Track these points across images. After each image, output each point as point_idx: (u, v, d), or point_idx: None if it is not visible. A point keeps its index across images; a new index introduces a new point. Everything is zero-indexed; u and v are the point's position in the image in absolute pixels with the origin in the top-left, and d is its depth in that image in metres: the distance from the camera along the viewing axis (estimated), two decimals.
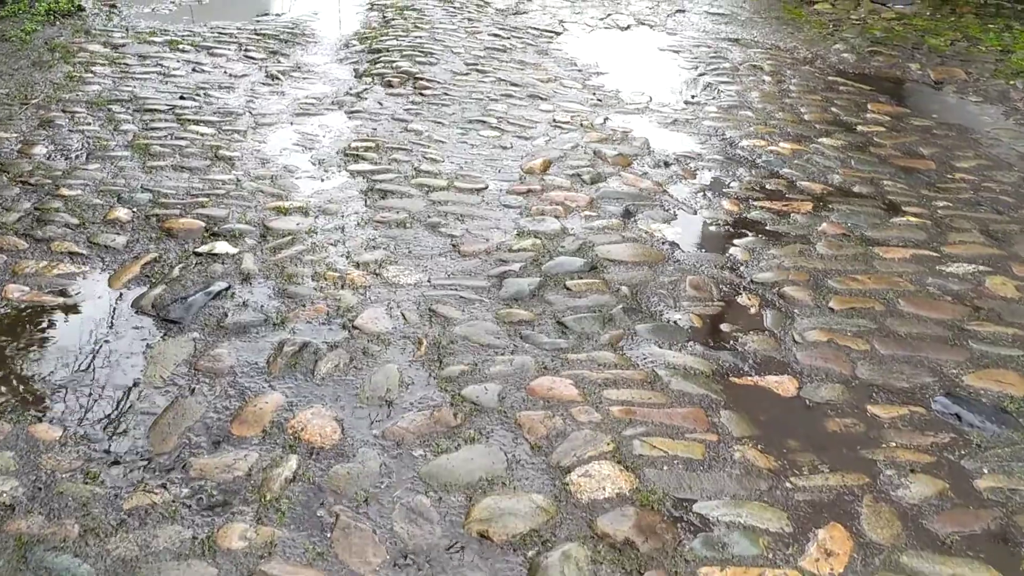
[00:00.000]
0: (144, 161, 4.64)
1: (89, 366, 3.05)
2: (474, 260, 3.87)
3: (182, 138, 4.96)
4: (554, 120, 5.64)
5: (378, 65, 6.53)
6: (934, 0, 9.54)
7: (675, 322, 3.48)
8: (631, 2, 9.33)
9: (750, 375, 3.19)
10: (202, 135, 5.01)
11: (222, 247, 3.82)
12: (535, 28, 8.04)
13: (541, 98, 6.06)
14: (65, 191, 4.26)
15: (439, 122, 5.46)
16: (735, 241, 4.19)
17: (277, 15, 8.04)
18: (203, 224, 4.01)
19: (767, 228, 4.34)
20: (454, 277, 3.73)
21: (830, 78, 6.92)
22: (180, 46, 6.68)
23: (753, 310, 3.61)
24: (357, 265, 3.76)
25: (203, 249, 3.81)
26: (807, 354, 3.32)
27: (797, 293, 3.72)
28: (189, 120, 5.21)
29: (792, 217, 4.45)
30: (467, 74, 6.46)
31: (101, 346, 3.16)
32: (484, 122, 5.50)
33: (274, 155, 4.83)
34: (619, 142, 5.34)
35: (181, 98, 5.57)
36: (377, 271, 3.73)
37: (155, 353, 3.13)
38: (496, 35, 7.60)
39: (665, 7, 9.19)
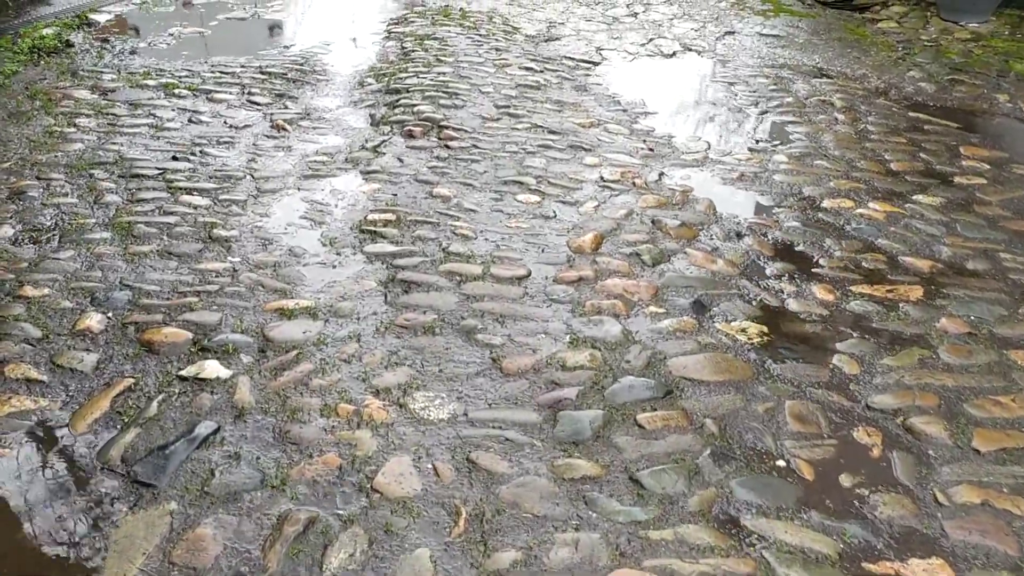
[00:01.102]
0: (126, 246, 4.02)
1: (38, 560, 2.42)
2: (519, 381, 3.21)
3: (172, 213, 4.35)
4: (602, 178, 4.98)
5: (397, 110, 5.91)
6: (1011, 17, 8.80)
7: (780, 472, 2.81)
8: (674, 24, 8.67)
9: (888, 558, 2.51)
10: (195, 208, 4.40)
11: (212, 368, 3.19)
12: (570, 58, 7.39)
13: (584, 148, 5.40)
14: (30, 289, 3.65)
15: (469, 184, 4.82)
16: (838, 345, 3.51)
17: (285, 47, 7.45)
18: (190, 335, 3.39)
19: (873, 326, 3.65)
20: (496, 407, 3.07)
21: (911, 114, 6.22)
22: (176, 90, 6.09)
23: (876, 451, 2.93)
24: (376, 392, 3.12)
25: (189, 371, 3.18)
26: (957, 523, 2.63)
27: (928, 426, 3.03)
28: (181, 188, 4.60)
29: (901, 308, 3.76)
30: (498, 119, 5.81)
31: (55, 526, 2.53)
32: (521, 183, 4.85)
33: (278, 233, 4.21)
34: (680, 206, 4.68)
35: (174, 158, 4.97)
36: (401, 400, 3.08)
37: (121, 536, 2.50)
38: (528, 68, 6.95)
39: (712, 29, 8.52)
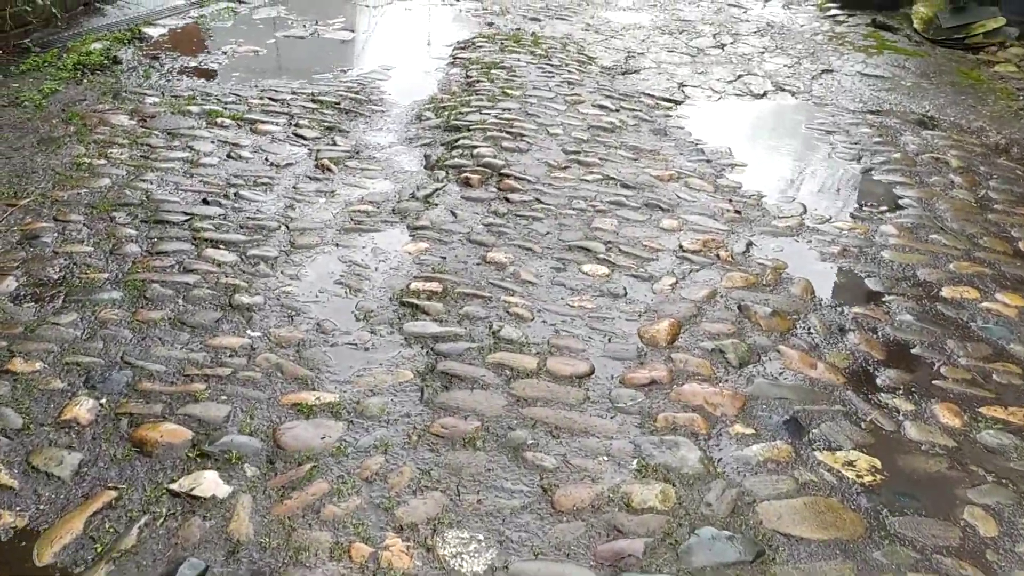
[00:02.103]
0: (135, 310, 3.61)
1: None
2: (574, 523, 2.68)
3: (192, 270, 3.93)
4: (681, 247, 4.43)
5: (455, 151, 5.44)
6: None
7: None
8: (765, 59, 8.06)
9: None
10: (219, 266, 3.98)
11: (209, 483, 2.74)
12: (649, 95, 6.85)
13: (662, 208, 4.86)
14: (19, 363, 3.26)
15: (528, 248, 4.31)
16: (969, 493, 2.90)
17: (342, 71, 7.07)
18: (190, 434, 2.94)
19: (1012, 466, 3.02)
20: (544, 557, 2.55)
21: None
22: (219, 119, 5.72)
23: None
24: (400, 528, 2.62)
25: (183, 485, 2.73)
26: None
27: None
28: (207, 239, 4.19)
29: None
30: (566, 167, 5.30)
31: None
32: (588, 249, 4.32)
33: (307, 301, 3.76)
34: (772, 288, 4.09)
35: (204, 202, 4.58)
36: (429, 541, 2.58)
37: None
38: (602, 106, 6.43)
39: (808, 66, 7.88)
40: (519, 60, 7.44)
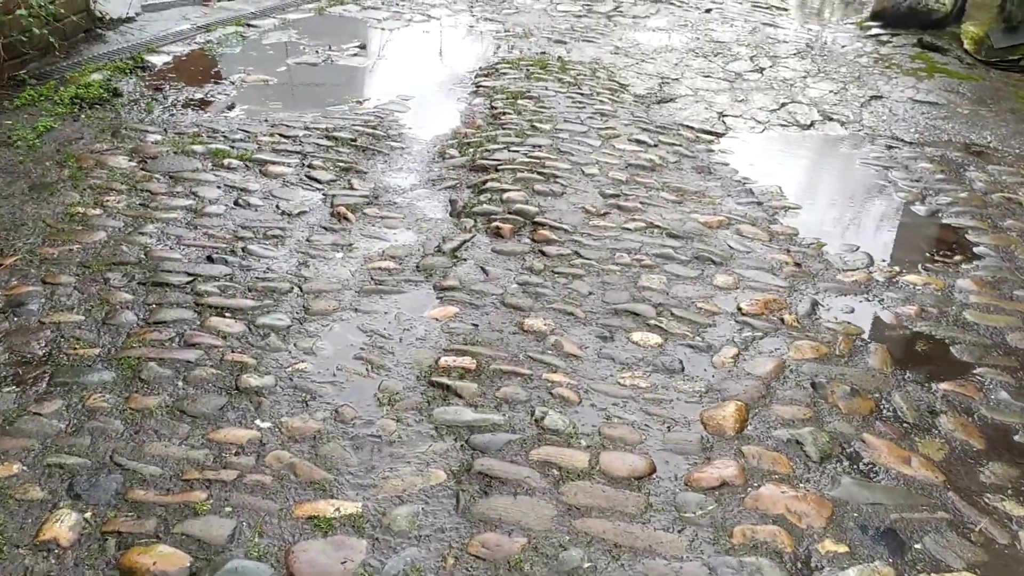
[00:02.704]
0: (128, 395, 3.23)
1: None
2: None
3: (194, 344, 3.55)
4: (739, 309, 4.02)
5: (483, 196, 5.06)
6: None
7: None
8: (808, 84, 7.66)
9: None
10: (224, 338, 3.60)
11: None
12: (688, 126, 6.46)
13: (714, 261, 4.45)
14: None
15: (569, 312, 3.91)
16: None
17: (357, 102, 6.71)
18: (188, 560, 2.55)
19: None
20: None
21: None
22: (226, 159, 5.36)
23: None
24: None
25: None
26: None
27: None
28: (211, 306, 3.82)
29: None
30: (605, 214, 4.91)
31: None
32: (636, 314, 3.92)
33: (323, 382, 3.37)
34: (846, 359, 3.68)
35: (209, 259, 4.21)
36: None
37: None
38: (639, 141, 6.04)
39: (855, 92, 7.48)
40: (547, 89, 7.06)
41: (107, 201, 4.77)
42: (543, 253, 4.45)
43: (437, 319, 3.84)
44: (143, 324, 3.69)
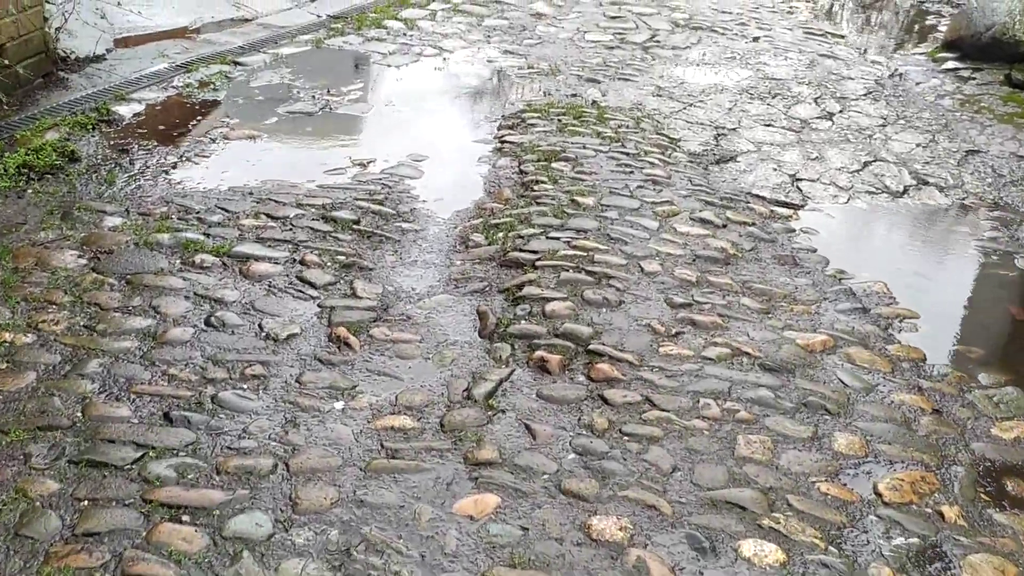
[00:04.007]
0: None
1: None
2: None
3: None
4: (878, 493, 3.08)
5: (520, 307, 4.13)
6: None
7: None
8: (889, 135, 6.74)
9: None
10: (179, 564, 2.65)
11: None
12: (758, 196, 5.55)
13: (827, 410, 3.52)
14: None
15: (650, 505, 2.98)
16: None
17: (362, 165, 5.80)
18: None
19: None
20: None
21: None
22: (199, 254, 4.45)
23: None
24: None
25: None
26: None
27: None
28: (165, 504, 2.89)
29: None
30: (677, 334, 3.99)
31: None
32: (740, 507, 2.98)
33: None
34: None
35: (167, 417, 3.29)
36: None
37: None
38: (704, 220, 5.12)
39: (946, 144, 6.56)
40: (584, 146, 6.13)
41: (43, 322, 3.84)
42: (604, 400, 3.51)
43: (472, 517, 2.90)
44: (68, 537, 2.74)
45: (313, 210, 5.06)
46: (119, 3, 8.34)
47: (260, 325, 3.93)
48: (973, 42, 8.57)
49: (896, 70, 8.55)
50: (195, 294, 4.14)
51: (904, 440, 3.39)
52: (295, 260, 4.50)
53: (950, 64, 8.57)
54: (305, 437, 3.24)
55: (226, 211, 4.99)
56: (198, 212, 4.95)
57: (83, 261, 4.37)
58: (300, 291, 4.24)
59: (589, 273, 4.42)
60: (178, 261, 4.41)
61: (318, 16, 9.25)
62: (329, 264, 4.50)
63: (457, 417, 3.39)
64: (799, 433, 3.39)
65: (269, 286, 4.26)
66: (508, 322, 4.03)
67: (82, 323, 3.86)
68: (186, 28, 8.59)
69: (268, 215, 4.97)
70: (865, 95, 7.71)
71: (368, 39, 8.61)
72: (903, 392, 3.69)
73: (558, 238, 4.78)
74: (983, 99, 7.65)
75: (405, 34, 8.84)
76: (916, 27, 10.68)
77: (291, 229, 4.82)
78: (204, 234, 4.69)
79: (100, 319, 3.89)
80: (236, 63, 7.68)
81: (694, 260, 4.66)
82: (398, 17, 9.32)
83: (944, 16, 10.83)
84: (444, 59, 8.21)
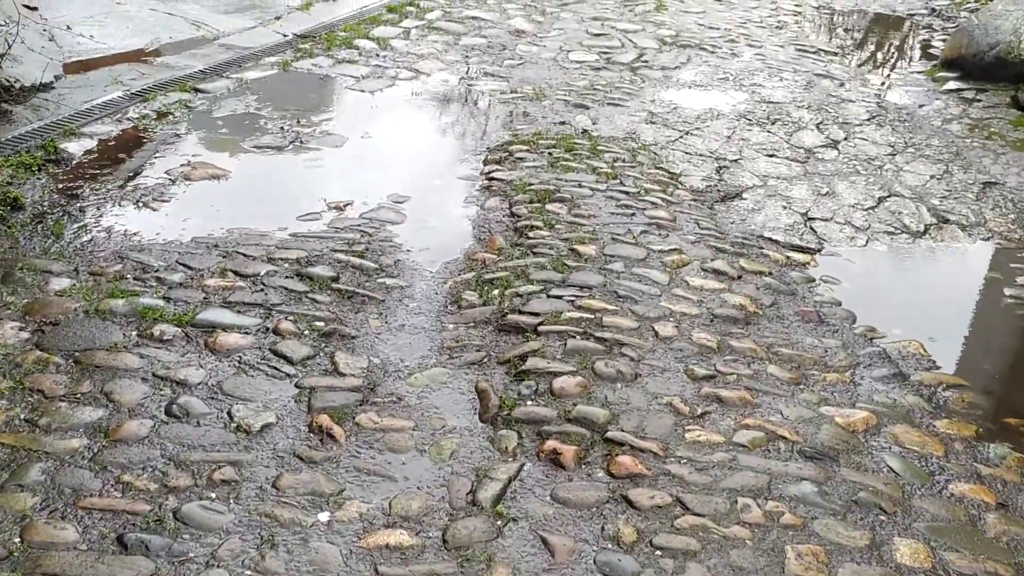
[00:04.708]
0: None
1: None
2: None
3: None
4: None
5: (524, 384, 3.73)
6: None
7: None
8: (900, 165, 6.42)
9: None
10: None
11: None
12: (771, 239, 5.20)
13: (882, 509, 3.15)
14: None
15: None
16: None
17: (338, 208, 5.36)
18: None
19: None
20: None
21: None
22: (158, 324, 3.99)
23: None
24: None
25: None
26: None
27: None
28: None
29: None
30: (703, 414, 3.60)
31: None
32: None
33: None
34: None
35: (120, 542, 2.85)
36: None
37: None
38: (717, 271, 4.75)
39: (961, 176, 6.28)
40: (579, 183, 5.73)
41: None
42: (629, 503, 3.11)
43: None
44: None
45: (287, 265, 4.61)
46: (68, 27, 7.82)
47: (230, 413, 3.48)
48: (976, 61, 8.30)
49: (895, 91, 8.24)
50: (154, 375, 3.68)
51: (972, 545, 3.03)
52: (268, 329, 4.05)
53: (952, 84, 8.29)
54: (285, 562, 2.80)
55: (188, 268, 4.53)
56: (157, 270, 4.49)
57: (25, 335, 3.90)
58: (275, 368, 3.79)
59: (598, 340, 4.02)
60: (134, 333, 3.95)
61: (284, 35, 8.78)
62: (306, 332, 4.05)
63: (462, 530, 2.96)
64: (854, 541, 3.00)
65: (239, 362, 3.81)
66: (512, 403, 3.61)
67: (23, 416, 3.39)
68: (142, 50, 8.09)
69: (236, 272, 4.51)
70: (869, 120, 7.39)
71: (339, 61, 8.15)
72: (962, 481, 3.33)
73: (560, 296, 4.37)
74: (992, 123, 7.36)
75: (378, 55, 8.40)
76: (909, 42, 10.42)
77: (262, 290, 4.36)
78: (164, 298, 4.23)
79: (44, 411, 3.42)
80: (197, 90, 7.20)
81: (712, 320, 4.28)
82: (370, 36, 8.87)
83: (936, 30, 10.59)
84: (421, 82, 7.78)
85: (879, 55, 9.91)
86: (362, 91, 7.51)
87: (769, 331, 4.26)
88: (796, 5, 11.69)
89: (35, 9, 8.33)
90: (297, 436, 3.39)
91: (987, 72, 8.18)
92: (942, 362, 4.13)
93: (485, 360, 3.94)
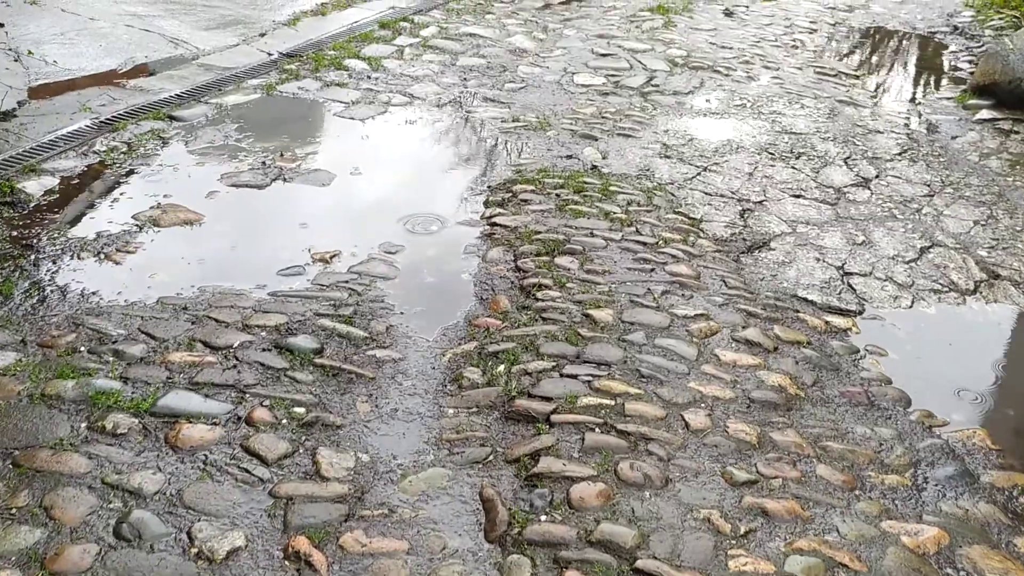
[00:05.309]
0: None
1: None
2: None
3: None
4: None
5: (536, 493, 3.24)
6: None
7: None
8: (939, 209, 5.96)
9: None
10: None
11: None
12: (806, 300, 4.73)
13: None
14: None
15: None
16: None
17: (324, 260, 4.86)
18: None
19: None
20: None
21: None
22: (111, 414, 3.50)
23: None
24: None
25: None
26: None
27: None
28: None
29: None
30: (746, 533, 3.14)
31: None
32: None
33: None
34: None
35: None
36: None
37: None
38: (749, 342, 4.26)
39: (1007, 221, 5.87)
40: (591, 232, 5.26)
41: None
42: None
43: None
44: None
45: (264, 334, 4.12)
46: (29, 52, 7.33)
47: (190, 534, 2.99)
48: (1011, 89, 7.85)
49: (925, 120, 7.79)
50: (103, 482, 3.18)
51: None
52: (239, 418, 3.56)
53: (985, 114, 7.84)
54: None
55: (152, 338, 4.04)
56: (115, 340, 3.99)
57: None
58: (246, 470, 3.30)
59: (620, 433, 3.53)
60: (83, 425, 3.45)
61: (268, 54, 8.30)
62: (284, 422, 3.56)
63: None
64: None
65: (204, 463, 3.32)
66: (524, 519, 3.12)
67: None
68: (115, 71, 7.60)
69: (205, 343, 4.02)
70: (900, 154, 6.93)
71: (327, 84, 7.67)
72: None
73: (575, 376, 3.89)
74: None
75: (369, 76, 7.91)
76: (933, 63, 9.97)
77: (235, 366, 3.87)
78: (121, 378, 3.73)
79: None
80: (172, 117, 6.71)
81: (748, 406, 3.80)
82: (361, 55, 8.39)
83: (959, 51, 10.15)
84: (416, 109, 7.29)
85: (903, 79, 9.45)
86: (352, 119, 7.02)
87: (814, 419, 3.78)
88: (811, 22, 11.26)
89: (0, 26, 7.86)
90: (270, 565, 2.90)
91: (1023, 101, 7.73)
92: (1013, 455, 3.65)
93: (491, 458, 3.45)
